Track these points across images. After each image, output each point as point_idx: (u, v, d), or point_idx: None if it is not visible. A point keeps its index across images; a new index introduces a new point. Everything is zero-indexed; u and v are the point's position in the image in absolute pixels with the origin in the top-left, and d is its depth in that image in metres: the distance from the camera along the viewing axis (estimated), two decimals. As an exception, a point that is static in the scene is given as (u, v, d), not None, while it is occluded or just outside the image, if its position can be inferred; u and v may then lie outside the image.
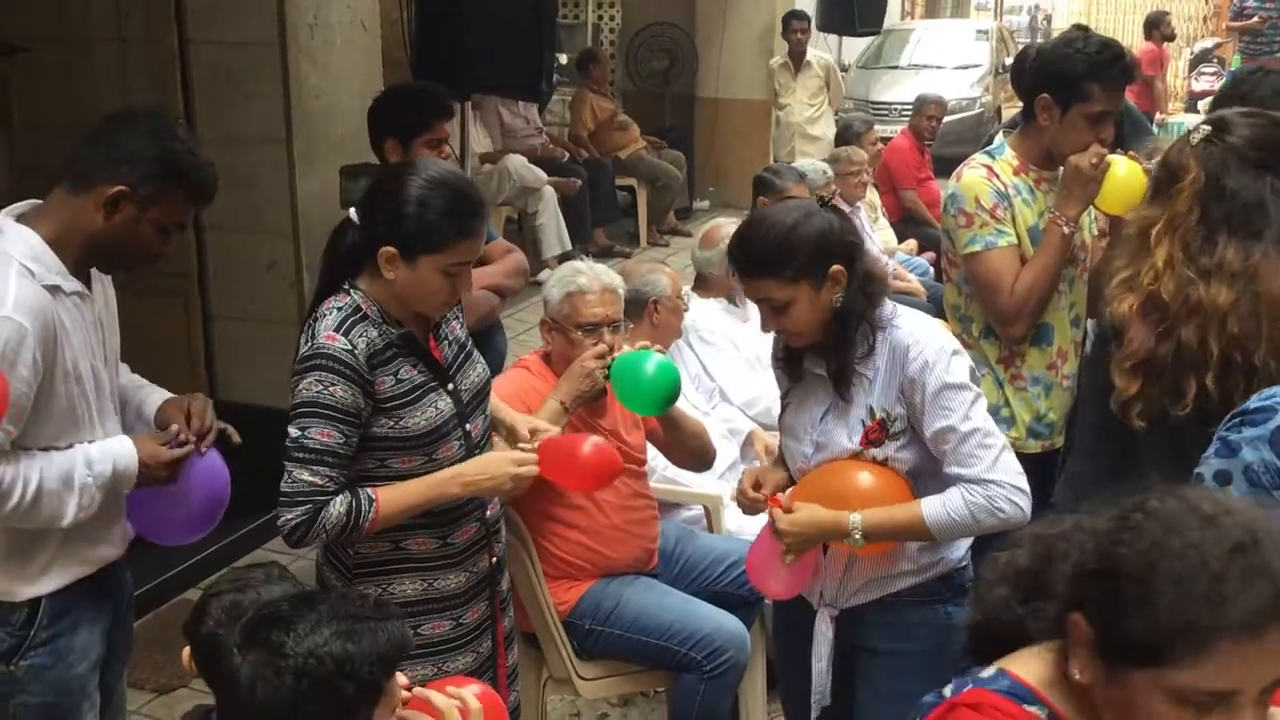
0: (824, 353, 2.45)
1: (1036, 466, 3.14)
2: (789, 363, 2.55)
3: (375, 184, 2.44)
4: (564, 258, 8.46)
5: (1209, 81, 13.09)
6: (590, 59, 9.70)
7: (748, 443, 4.12)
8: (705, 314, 4.38)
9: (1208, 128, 2.48)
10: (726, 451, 3.93)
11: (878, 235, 6.57)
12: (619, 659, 3.19)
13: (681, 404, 3.62)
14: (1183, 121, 9.19)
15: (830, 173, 5.85)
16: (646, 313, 3.88)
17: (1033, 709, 1.40)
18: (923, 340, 2.37)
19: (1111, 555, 1.33)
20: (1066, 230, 2.97)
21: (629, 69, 10.77)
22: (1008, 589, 1.51)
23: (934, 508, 2.35)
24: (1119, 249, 2.59)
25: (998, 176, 3.05)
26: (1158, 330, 2.36)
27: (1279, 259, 2.33)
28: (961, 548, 2.49)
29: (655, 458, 3.48)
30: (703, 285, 4.52)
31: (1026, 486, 2.34)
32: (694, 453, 3.34)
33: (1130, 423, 2.42)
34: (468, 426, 2.47)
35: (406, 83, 4.55)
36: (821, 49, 11.50)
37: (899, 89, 13.21)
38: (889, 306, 2.45)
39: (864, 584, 2.51)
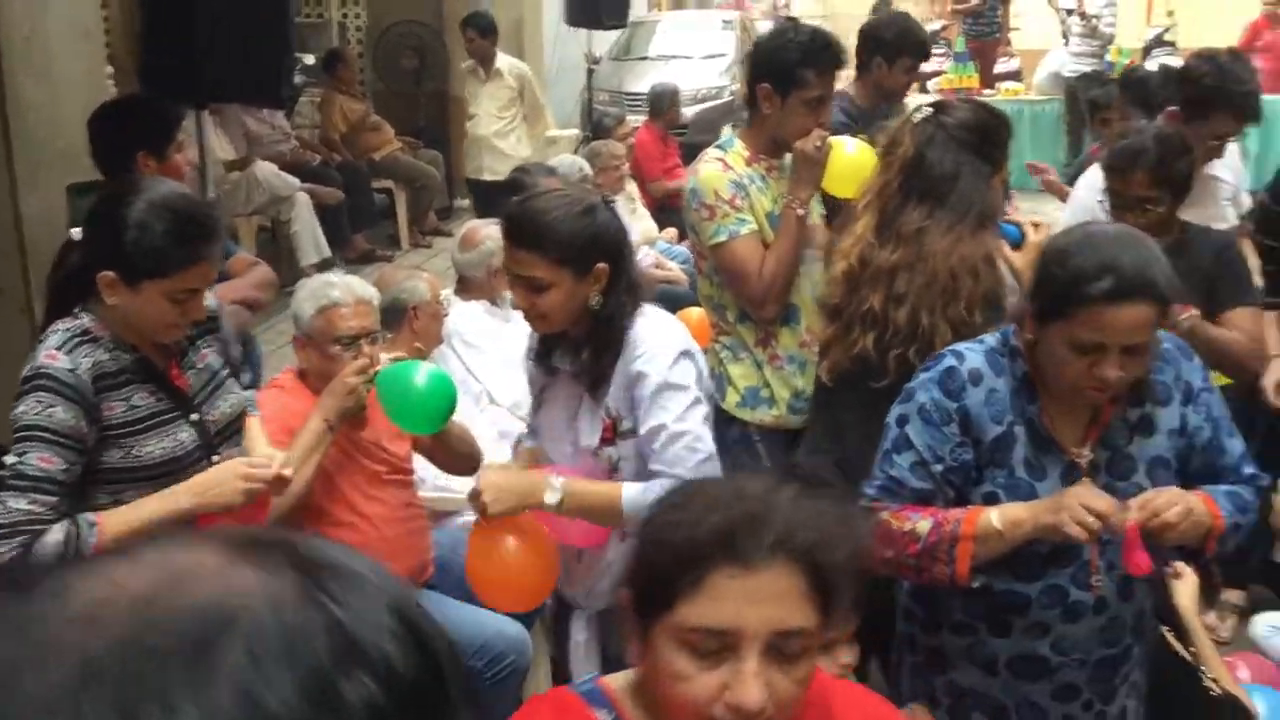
0: (576, 349, 2.43)
1: (799, 440, 3.29)
2: (542, 358, 2.53)
3: (97, 204, 2.33)
4: (323, 265, 8.22)
5: (938, 62, 13.76)
6: (336, 59, 9.47)
7: (519, 445, 4.10)
8: (468, 317, 4.34)
9: (930, 109, 2.69)
10: (498, 455, 3.90)
11: (637, 226, 6.67)
12: (400, 674, 3.12)
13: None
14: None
15: (587, 169, 5.90)
16: (406, 320, 3.82)
17: (600, 712, 1.41)
18: (651, 339, 2.36)
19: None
20: (800, 213, 3.08)
21: (378, 68, 10.56)
22: None
23: (634, 491, 2.30)
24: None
25: (731, 168, 3.15)
26: (847, 287, 2.65)
27: (951, 226, 2.58)
28: None
29: (425, 467, 3.42)
30: (464, 288, 4.48)
31: None
32: (463, 458, 3.29)
33: (823, 376, 2.69)
34: (215, 458, 2.36)
35: (126, 95, 4.33)
36: (574, 42, 11.58)
37: (649, 79, 13.37)
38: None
39: (612, 583, 2.50)
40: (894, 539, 2.08)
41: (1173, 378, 2.13)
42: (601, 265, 2.34)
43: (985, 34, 13.97)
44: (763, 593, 1.27)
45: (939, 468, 2.10)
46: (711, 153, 3.25)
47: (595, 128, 7.81)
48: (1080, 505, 1.92)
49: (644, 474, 2.38)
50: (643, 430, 2.34)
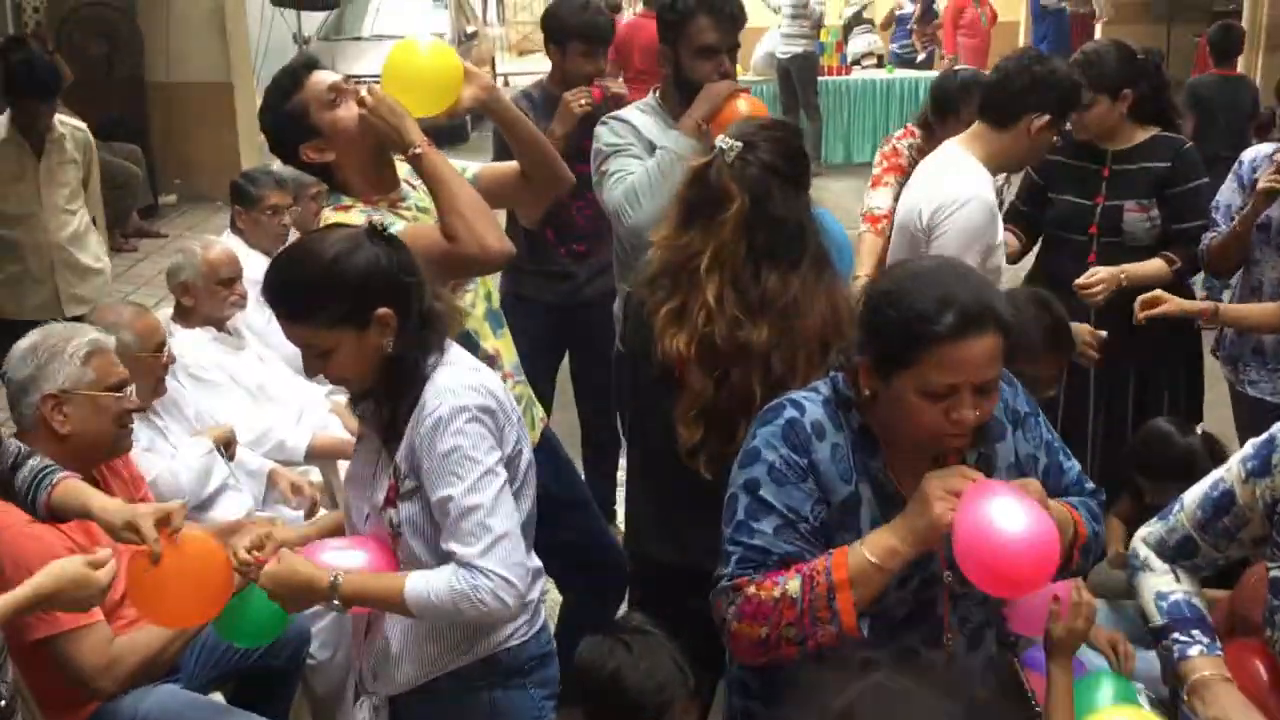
0: (375, 397, 2.20)
1: None
2: (352, 403, 2.35)
3: None
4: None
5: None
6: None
7: (270, 484, 3.73)
8: (193, 347, 3.93)
9: (738, 145, 2.39)
10: (239, 501, 3.54)
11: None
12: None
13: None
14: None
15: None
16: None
17: None
18: (446, 395, 2.11)
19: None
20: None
21: (62, 56, 9.64)
22: None
23: (416, 583, 2.10)
24: (663, 277, 2.46)
25: None
26: (714, 375, 2.35)
27: (815, 285, 2.37)
28: (509, 627, 2.23)
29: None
30: (184, 315, 4.05)
31: (522, 581, 2.10)
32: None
33: (699, 471, 2.38)
34: None
35: None
36: (281, 23, 10.95)
37: (365, 61, 12.85)
38: (445, 351, 2.20)
39: (399, 669, 2.26)
40: (767, 611, 1.88)
41: (1003, 410, 2.03)
42: (385, 310, 2.10)
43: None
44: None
45: (805, 527, 1.92)
46: None
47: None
48: (943, 491, 1.81)
49: (434, 543, 2.15)
50: (433, 499, 2.12)
